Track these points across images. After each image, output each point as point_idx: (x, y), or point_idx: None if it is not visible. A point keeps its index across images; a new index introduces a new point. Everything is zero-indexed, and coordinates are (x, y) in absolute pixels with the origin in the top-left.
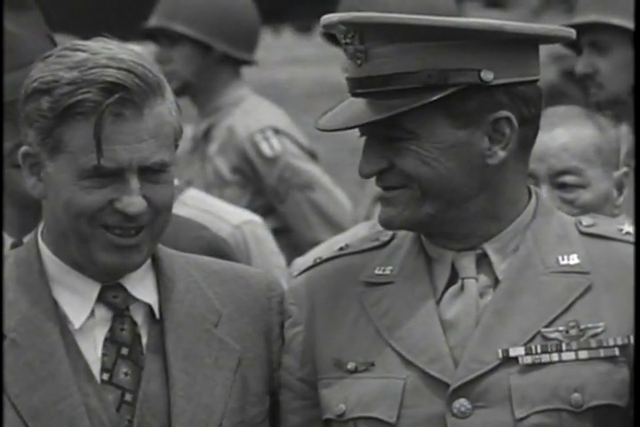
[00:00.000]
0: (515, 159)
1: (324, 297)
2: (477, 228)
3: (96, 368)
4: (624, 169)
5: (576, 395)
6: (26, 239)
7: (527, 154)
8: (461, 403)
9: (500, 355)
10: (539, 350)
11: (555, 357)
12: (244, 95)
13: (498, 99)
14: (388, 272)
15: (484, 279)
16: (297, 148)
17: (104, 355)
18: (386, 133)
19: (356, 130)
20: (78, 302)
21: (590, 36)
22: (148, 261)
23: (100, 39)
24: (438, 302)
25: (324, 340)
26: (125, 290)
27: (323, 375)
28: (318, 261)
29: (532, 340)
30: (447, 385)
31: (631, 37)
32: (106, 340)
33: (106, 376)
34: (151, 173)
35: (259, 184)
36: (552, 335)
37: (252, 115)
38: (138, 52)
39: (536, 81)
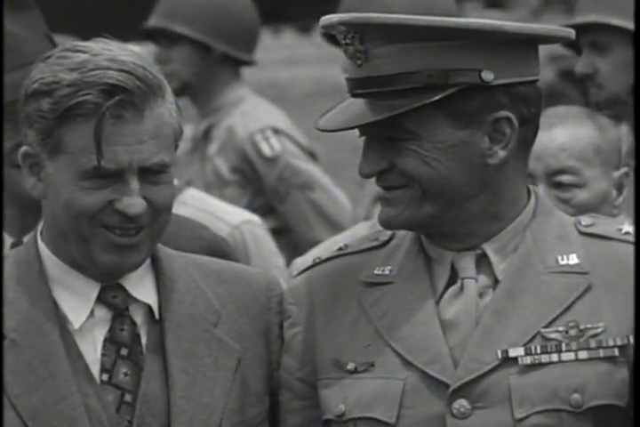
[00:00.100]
0: (515, 159)
1: (324, 297)
2: (477, 228)
3: (96, 369)
4: (624, 169)
5: (576, 395)
6: (26, 239)
7: (527, 154)
8: (461, 403)
9: (500, 355)
10: (538, 351)
11: (554, 357)
12: (244, 95)
13: (498, 99)
14: (387, 272)
15: (483, 279)
16: (297, 148)
17: (104, 355)
18: (386, 134)
19: (356, 130)
20: (78, 302)
21: (590, 37)
22: (148, 262)
23: (101, 40)
24: (438, 303)
25: (323, 340)
26: (125, 290)
27: (322, 376)
28: (317, 261)
29: (531, 340)
30: (447, 386)
31: (631, 37)
32: (105, 340)
33: (105, 377)
34: (151, 173)
35: (258, 184)
36: (552, 336)
37: (251, 115)
38: (138, 53)
39: (536, 81)
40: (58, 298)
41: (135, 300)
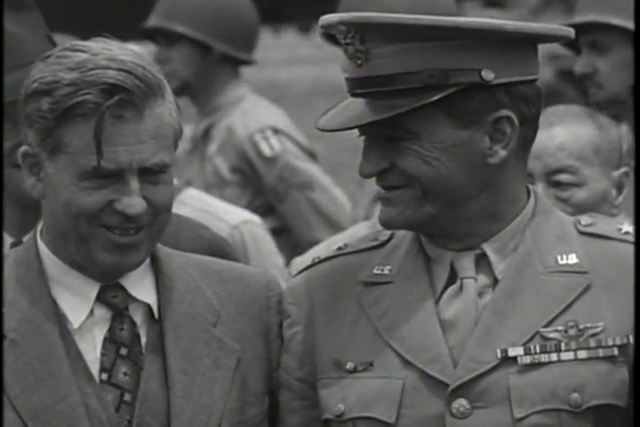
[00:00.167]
0: (515, 158)
1: (323, 297)
2: (477, 227)
3: (95, 368)
4: (624, 169)
5: (575, 395)
6: (25, 239)
7: (527, 153)
8: (460, 403)
9: (499, 355)
10: (538, 350)
11: (554, 357)
12: (244, 95)
13: (498, 98)
14: (386, 272)
15: (483, 279)
16: (296, 147)
17: (103, 355)
18: (386, 133)
19: (356, 129)
20: (77, 301)
21: (589, 36)
22: (148, 261)
23: (100, 39)
24: (437, 302)
25: (323, 340)
26: (125, 290)
27: (322, 375)
28: (317, 260)
29: (530, 340)
30: (446, 385)
31: (630, 37)
32: (105, 340)
33: (105, 376)
34: (151, 173)
35: (258, 184)
36: (551, 335)
37: (251, 115)
38: (137, 53)
39: (535, 80)
40: (57, 298)
41: (135, 299)
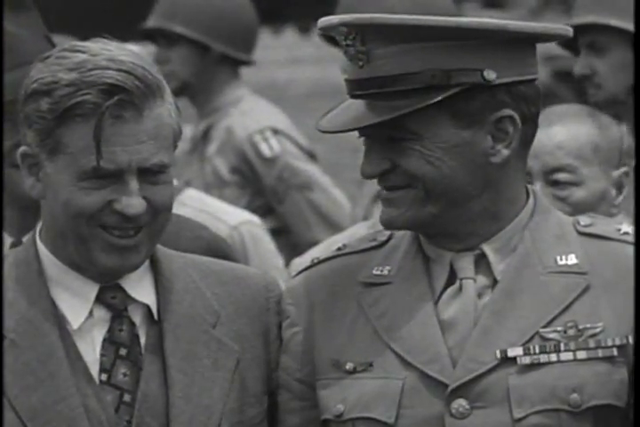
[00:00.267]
0: (516, 158)
1: (322, 297)
2: (478, 227)
3: (95, 369)
4: (624, 168)
5: (574, 395)
6: (25, 239)
7: (527, 153)
8: (460, 403)
9: (499, 355)
10: (537, 351)
11: (553, 357)
12: (243, 95)
13: (500, 98)
14: (385, 272)
15: (482, 280)
16: (296, 148)
17: (102, 355)
18: (387, 134)
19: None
20: (77, 302)
21: (588, 37)
22: (147, 262)
23: (99, 40)
24: (436, 303)
25: (322, 340)
26: (124, 291)
27: (321, 376)
28: (316, 261)
29: (530, 340)
30: (446, 385)
31: (629, 38)
32: (104, 340)
33: (104, 377)
34: (150, 174)
35: (258, 184)
36: (550, 336)
37: (250, 115)
38: (137, 53)
39: (535, 80)
40: (57, 298)
41: (134, 300)
